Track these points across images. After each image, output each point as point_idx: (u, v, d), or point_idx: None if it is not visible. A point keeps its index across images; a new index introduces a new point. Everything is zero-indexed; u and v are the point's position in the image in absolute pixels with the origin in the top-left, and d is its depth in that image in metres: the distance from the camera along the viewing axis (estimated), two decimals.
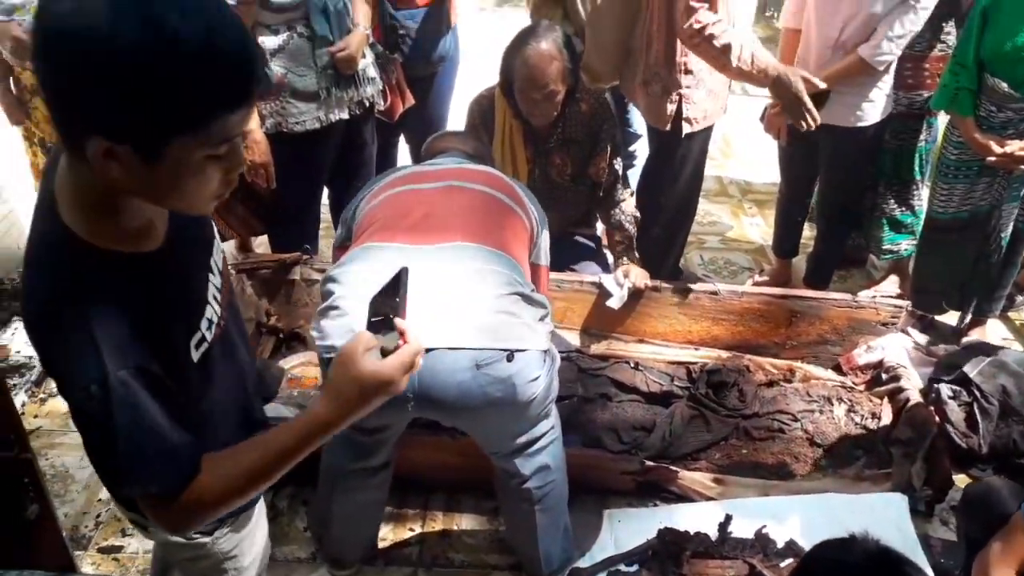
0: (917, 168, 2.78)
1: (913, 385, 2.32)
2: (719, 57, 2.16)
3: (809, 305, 2.49)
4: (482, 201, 1.74)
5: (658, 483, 2.08)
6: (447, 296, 1.51)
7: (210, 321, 1.00)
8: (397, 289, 0.99)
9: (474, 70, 3.19)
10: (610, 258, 2.68)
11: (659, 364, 2.48)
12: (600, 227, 2.75)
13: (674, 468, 2.08)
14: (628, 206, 2.54)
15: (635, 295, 2.49)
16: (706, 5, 2.13)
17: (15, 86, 2.55)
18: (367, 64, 2.54)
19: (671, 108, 2.38)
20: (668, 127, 2.41)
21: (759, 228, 3.51)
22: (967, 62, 2.37)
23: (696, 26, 2.11)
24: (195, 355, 0.96)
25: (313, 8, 2.35)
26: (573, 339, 2.57)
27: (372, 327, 0.96)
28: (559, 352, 2.43)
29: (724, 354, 2.52)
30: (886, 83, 2.51)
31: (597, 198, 2.58)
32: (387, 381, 0.93)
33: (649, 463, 2.06)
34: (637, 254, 2.53)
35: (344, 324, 1.50)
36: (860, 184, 2.78)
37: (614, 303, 2.44)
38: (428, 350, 1.34)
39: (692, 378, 2.41)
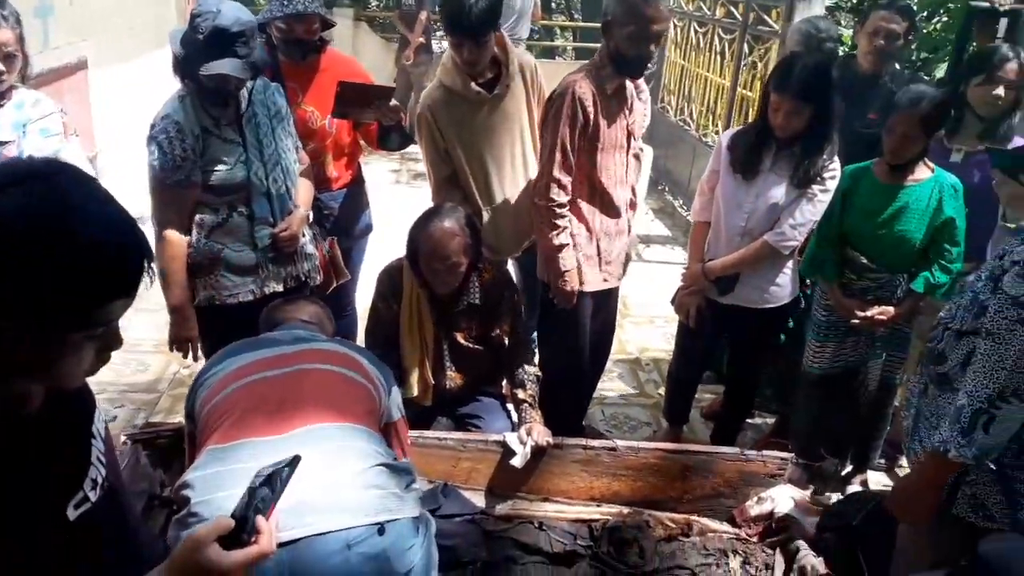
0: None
1: (802, 534, 2.43)
2: (550, 231, 2.64)
3: (701, 460, 2.62)
4: (329, 380, 1.79)
5: None
6: (308, 482, 1.49)
7: (94, 481, 1.04)
8: (278, 479, 1.03)
9: (384, 239, 3.38)
10: (515, 416, 2.78)
11: (563, 522, 2.52)
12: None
13: None
14: (530, 366, 2.70)
15: (538, 453, 2.57)
16: (561, 186, 2.60)
17: None
18: (305, 242, 2.69)
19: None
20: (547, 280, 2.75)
21: (657, 384, 3.70)
22: (830, 236, 2.70)
23: (548, 194, 2.61)
24: (72, 514, 1.00)
25: (255, 191, 2.51)
26: (479, 500, 2.60)
27: (237, 514, 0.99)
28: (466, 513, 2.49)
29: (625, 510, 2.59)
30: (790, 267, 2.77)
31: (501, 359, 2.72)
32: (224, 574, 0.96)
33: None
34: (539, 412, 2.64)
35: None
36: (767, 358, 3.02)
37: (517, 461, 2.51)
38: (294, 541, 1.39)
39: (594, 536, 2.46)
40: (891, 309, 2.65)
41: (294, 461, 1.07)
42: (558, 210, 2.63)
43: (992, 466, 1.70)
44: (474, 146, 2.87)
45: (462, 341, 2.66)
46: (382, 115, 2.77)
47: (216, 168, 2.44)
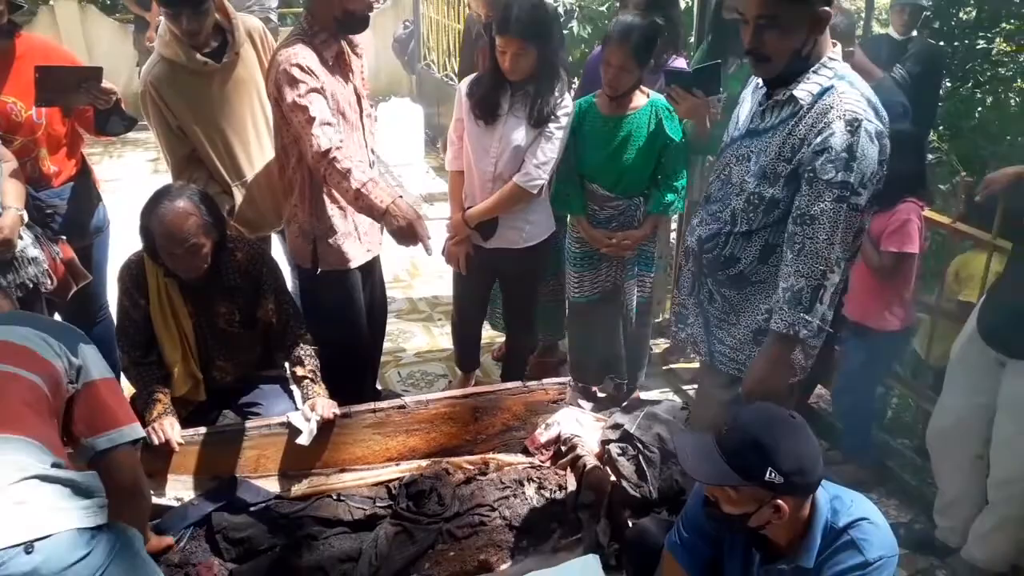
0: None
1: (588, 450, 2.57)
2: (341, 181, 2.34)
3: (488, 399, 2.68)
4: None
5: None
6: None
7: None
8: None
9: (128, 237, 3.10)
10: (298, 395, 2.68)
11: (362, 488, 2.50)
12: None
13: None
14: (305, 340, 2.60)
15: (326, 426, 2.51)
16: (325, 134, 2.33)
17: None
18: (25, 245, 2.43)
19: (309, 248, 2.59)
20: (308, 265, 2.63)
21: (449, 337, 3.73)
22: (569, 171, 2.81)
23: (321, 149, 2.31)
24: None
25: None
26: (273, 486, 2.50)
27: None
28: (259, 502, 2.39)
29: (424, 463, 2.61)
30: (544, 205, 2.84)
31: (273, 338, 2.61)
32: None
33: None
34: (322, 387, 2.56)
35: None
36: (536, 293, 3.10)
37: (304, 439, 2.43)
38: None
39: (392, 495, 2.45)
40: (635, 233, 2.83)
41: None
42: (338, 154, 2.32)
43: (829, 330, 1.90)
44: (211, 120, 2.70)
45: (225, 327, 2.52)
46: (93, 98, 2.51)
47: None
